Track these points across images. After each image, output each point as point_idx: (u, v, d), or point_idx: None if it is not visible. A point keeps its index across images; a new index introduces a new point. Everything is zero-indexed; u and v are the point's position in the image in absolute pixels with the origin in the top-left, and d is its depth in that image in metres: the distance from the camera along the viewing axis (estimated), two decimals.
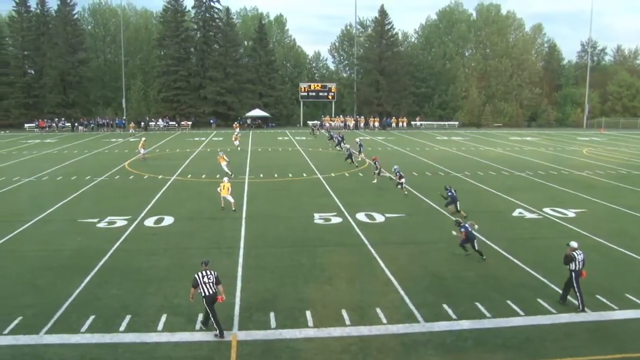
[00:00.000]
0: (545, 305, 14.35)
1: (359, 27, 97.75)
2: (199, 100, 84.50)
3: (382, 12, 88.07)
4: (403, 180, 28.92)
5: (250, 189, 30.45)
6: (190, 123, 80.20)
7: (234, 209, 24.85)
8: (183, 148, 50.97)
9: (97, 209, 25.16)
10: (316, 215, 23.79)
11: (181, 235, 20.76)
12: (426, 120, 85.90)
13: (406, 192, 28.71)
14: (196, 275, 12.77)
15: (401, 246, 19.57)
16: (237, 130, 60.85)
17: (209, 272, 12.81)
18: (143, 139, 47.17)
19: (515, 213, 24.84)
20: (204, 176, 34.36)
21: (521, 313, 13.89)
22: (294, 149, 50.40)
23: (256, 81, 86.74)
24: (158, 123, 79.65)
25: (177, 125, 79.87)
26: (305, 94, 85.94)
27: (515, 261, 17.87)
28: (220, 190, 25.34)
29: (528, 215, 24.47)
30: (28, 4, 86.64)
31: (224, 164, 34.91)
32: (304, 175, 35.27)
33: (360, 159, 40.67)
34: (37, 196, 28.77)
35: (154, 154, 46.86)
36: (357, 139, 48.06)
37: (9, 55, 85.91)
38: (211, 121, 78.43)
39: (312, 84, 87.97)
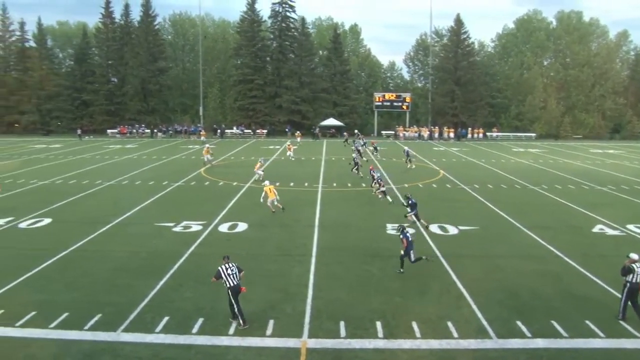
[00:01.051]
0: (628, 327, 13.72)
1: (434, 36, 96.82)
2: (274, 109, 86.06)
3: (458, 21, 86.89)
4: (383, 188, 30.17)
5: (324, 197, 30.69)
6: (265, 131, 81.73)
7: (282, 207, 26.24)
8: (258, 156, 51.89)
9: (174, 214, 26.04)
10: (388, 226, 23.71)
11: (254, 242, 21.18)
12: (502, 132, 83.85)
13: (390, 200, 29.36)
14: (220, 268, 13.91)
15: (474, 259, 19.22)
16: (298, 139, 63.56)
17: (231, 265, 13.98)
18: (207, 145, 48.36)
19: (596, 229, 23.88)
20: (278, 184, 34.78)
21: (601, 334, 13.34)
22: (368, 159, 50.37)
23: (331, 90, 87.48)
24: (233, 131, 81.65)
25: (252, 133, 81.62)
26: (380, 103, 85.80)
27: (595, 279, 17.18)
28: (265, 196, 26.39)
29: (610, 231, 23.47)
30: (113, 16, 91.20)
31: (257, 168, 36.90)
32: None
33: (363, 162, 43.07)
34: (117, 199, 30.09)
35: (228, 161, 48.05)
36: (405, 148, 47.99)
37: (95, 65, 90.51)
38: (287, 129, 79.61)
39: (386, 94, 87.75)
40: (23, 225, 24.08)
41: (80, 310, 14.42)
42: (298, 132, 72.34)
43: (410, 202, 24.27)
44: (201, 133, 72.25)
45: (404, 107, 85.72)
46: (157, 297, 15.45)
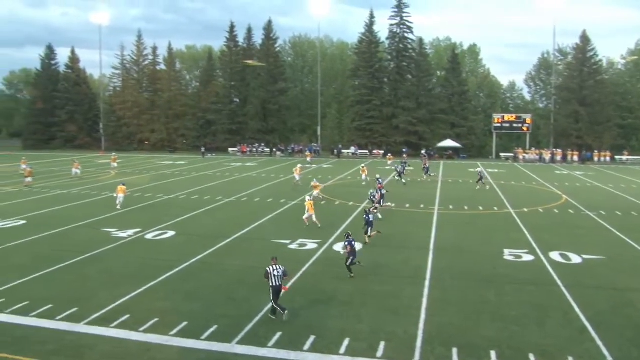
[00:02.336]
0: None
1: (557, 54, 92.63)
2: (391, 130, 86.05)
3: (584, 38, 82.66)
4: (377, 205, 30.45)
5: (440, 220, 30.18)
6: (381, 152, 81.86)
7: (319, 225, 27.00)
8: (373, 176, 51.96)
9: (290, 231, 26.66)
10: (506, 251, 22.87)
11: (367, 262, 21.17)
12: (634, 155, 78.16)
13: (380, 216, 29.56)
14: (267, 269, 15.40)
15: (600, 291, 18.03)
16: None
17: (277, 267, 15.39)
18: (299, 165, 48.95)
19: None
20: (393, 205, 34.76)
21: None
22: (485, 182, 48.99)
23: (448, 111, 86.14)
24: (349, 151, 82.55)
25: (368, 153, 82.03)
26: (499, 125, 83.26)
27: None
28: (307, 210, 27.61)
29: None
30: (237, 40, 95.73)
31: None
32: (495, 209, 34.11)
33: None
34: (236, 215, 31.30)
35: (345, 181, 48.57)
36: (479, 169, 46.35)
37: (219, 86, 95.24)
38: (403, 150, 79.25)
39: (506, 115, 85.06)
40: (149, 236, 25.68)
41: (199, 320, 15.10)
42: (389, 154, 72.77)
43: (365, 217, 24.76)
44: (307, 154, 72.98)
45: (525, 128, 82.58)
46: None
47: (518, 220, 30.00)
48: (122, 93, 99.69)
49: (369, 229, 24.17)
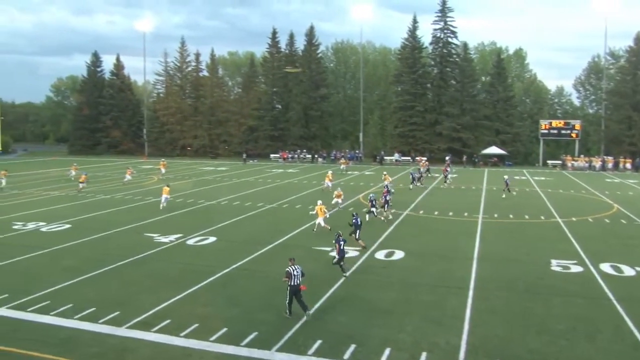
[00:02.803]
0: None
1: (609, 58, 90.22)
2: (434, 136, 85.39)
3: (638, 40, 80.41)
4: (374, 209, 31.09)
5: (484, 228, 29.72)
6: (424, 158, 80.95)
7: (329, 228, 27.25)
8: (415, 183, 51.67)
9: (331, 238, 26.49)
10: (553, 262, 22.34)
11: (410, 271, 21.01)
12: None
13: (383, 219, 30.79)
14: (288, 269, 16.09)
15: None
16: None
17: (296, 267, 16.18)
18: (330, 172, 49.67)
19: None
20: (436, 213, 34.43)
21: None
22: (531, 190, 48.10)
23: (493, 117, 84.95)
24: (393, 157, 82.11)
25: (411, 160, 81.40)
26: (546, 131, 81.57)
27: None
28: (317, 213, 28.17)
29: None
30: (279, 46, 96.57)
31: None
32: (542, 217, 33.40)
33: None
34: (277, 222, 31.47)
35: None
36: (505, 177, 45.38)
37: (261, 92, 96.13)
38: (447, 157, 78.32)
39: (553, 121, 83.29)
40: (191, 242, 26.01)
41: (239, 326, 15.19)
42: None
43: (354, 220, 24.91)
44: (341, 162, 70.60)
45: (573, 135, 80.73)
46: (311, 319, 15.83)
47: (566, 230, 29.31)
48: (165, 99, 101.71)
49: (357, 231, 24.38)
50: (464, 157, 78.05)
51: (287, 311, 15.95)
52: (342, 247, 19.92)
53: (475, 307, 16.96)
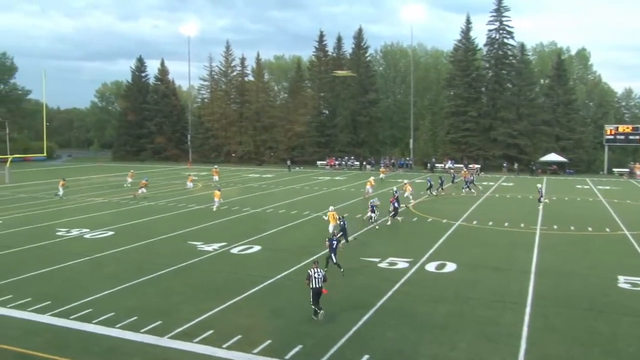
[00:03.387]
0: None
1: None
2: (488, 143, 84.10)
3: None
4: (373, 215, 33.18)
5: (542, 240, 28.98)
6: (478, 166, 79.96)
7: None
8: (469, 192, 50.94)
9: (380, 249, 26.44)
10: (621, 278, 21.54)
11: (463, 284, 20.64)
12: None
13: (377, 226, 32.60)
14: (309, 271, 16.91)
15: None
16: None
17: (318, 270, 16.93)
18: (372, 178, 49.89)
19: None
20: (490, 223, 33.81)
21: None
22: (595, 200, 46.79)
23: (553, 122, 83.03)
24: (444, 165, 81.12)
25: (464, 167, 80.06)
26: (612, 137, 79.22)
27: None
28: (329, 219, 29.09)
29: None
30: (326, 49, 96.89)
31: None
32: (607, 230, 32.38)
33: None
34: (324, 231, 31.39)
35: (438, 197, 47.76)
36: (539, 186, 44.13)
37: (307, 97, 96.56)
38: (504, 165, 76.86)
39: (620, 126, 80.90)
40: (234, 250, 26.21)
41: (283, 339, 15.16)
42: (383, 167, 70.78)
43: (341, 223, 26.59)
44: (381, 170, 68.90)
45: None
46: (357, 333, 15.69)
47: (635, 244, 28.32)
48: (210, 104, 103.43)
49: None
50: (515, 165, 76.50)
51: (314, 314, 16.74)
52: (334, 247, 21.99)
53: (533, 324, 16.50)
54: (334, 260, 21.75)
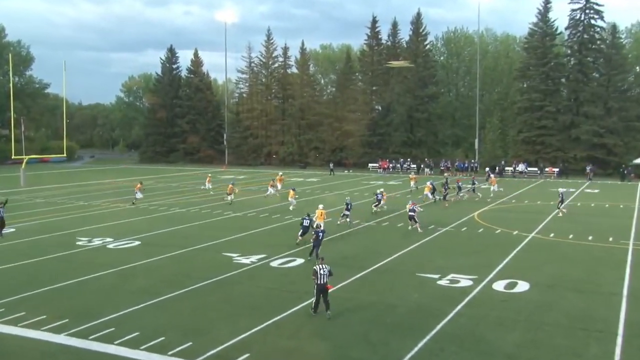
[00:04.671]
0: None
1: None
2: (569, 142, 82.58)
3: None
4: (347, 212, 36.72)
5: (636, 258, 28.19)
6: (556, 170, 78.49)
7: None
8: (546, 200, 50.04)
9: (439, 264, 26.18)
10: None
11: (538, 306, 20.20)
12: None
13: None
14: (315, 267, 18.89)
15: None
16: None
17: (324, 266, 18.82)
18: (429, 183, 50.02)
19: None
20: (571, 236, 33.13)
21: None
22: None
23: None
24: (516, 168, 79.94)
25: (539, 172, 78.86)
26: None
27: None
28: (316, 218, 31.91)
29: None
30: (380, 37, 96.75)
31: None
32: None
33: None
34: (375, 242, 31.37)
35: (508, 205, 47.09)
36: (560, 190, 43.54)
37: (358, 91, 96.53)
38: (588, 168, 75.06)
39: None
40: (275, 263, 26.33)
41: None
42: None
43: (305, 222, 30.28)
44: (410, 177, 61.39)
45: None
46: None
47: None
48: (249, 100, 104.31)
49: (301, 232, 30.00)
50: (588, 168, 74.28)
51: (313, 309, 18.84)
52: (319, 237, 26.34)
53: (626, 357, 15.99)
54: (314, 253, 25.67)
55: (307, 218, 30.44)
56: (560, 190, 44.00)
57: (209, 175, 60.28)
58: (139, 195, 47.05)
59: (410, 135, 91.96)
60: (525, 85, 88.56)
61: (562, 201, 42.12)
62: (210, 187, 54.46)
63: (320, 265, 18.80)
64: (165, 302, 20.55)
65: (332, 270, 19.06)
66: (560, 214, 41.07)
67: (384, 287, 22.67)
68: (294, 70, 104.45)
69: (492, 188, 52.88)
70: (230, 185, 48.71)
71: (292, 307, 19.77)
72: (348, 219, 36.62)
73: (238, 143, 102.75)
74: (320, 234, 26.26)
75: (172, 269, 25.45)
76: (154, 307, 19.95)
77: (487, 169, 73.73)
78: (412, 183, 57.57)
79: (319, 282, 18.51)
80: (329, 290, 18.83)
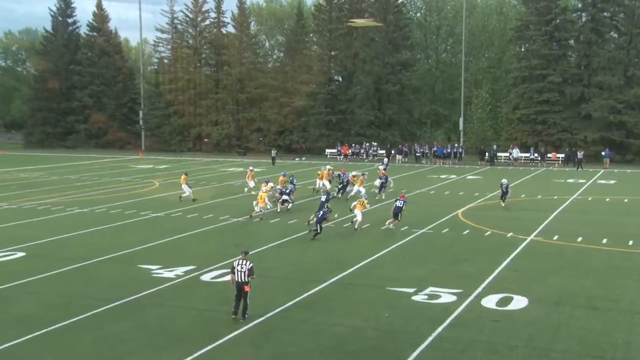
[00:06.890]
0: None
1: None
2: (578, 121, 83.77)
3: None
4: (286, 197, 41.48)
5: None
6: (561, 156, 79.37)
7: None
8: (548, 194, 50.80)
9: (414, 274, 26.35)
10: None
11: (540, 329, 20.40)
12: None
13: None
14: (234, 263, 20.73)
15: None
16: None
17: (244, 262, 20.41)
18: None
19: None
20: (580, 239, 33.62)
21: None
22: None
23: None
24: (512, 154, 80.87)
25: (539, 158, 79.62)
26: None
27: None
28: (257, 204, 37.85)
29: None
30: None
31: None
32: None
33: None
34: (334, 250, 31.36)
35: (500, 201, 47.56)
36: (504, 181, 44.99)
37: (312, 57, 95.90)
38: (604, 154, 75.75)
39: None
40: (206, 277, 26.10)
41: None
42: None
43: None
44: (378, 170, 57.86)
45: None
46: None
47: None
48: (172, 67, 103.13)
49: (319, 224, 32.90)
50: (579, 154, 74.37)
51: (233, 312, 20.54)
52: (323, 212, 32.93)
53: None
54: (317, 222, 32.20)
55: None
56: (504, 181, 45.10)
57: (251, 169, 53.63)
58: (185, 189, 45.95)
59: (378, 113, 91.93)
60: (523, 49, 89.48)
61: (505, 193, 44.02)
62: (253, 185, 49.77)
63: (239, 261, 20.54)
64: (56, 333, 19.96)
65: (254, 268, 20.52)
66: (503, 204, 43.65)
67: (347, 305, 22.68)
68: (231, 29, 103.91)
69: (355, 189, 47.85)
70: (268, 185, 42.60)
71: (229, 332, 19.65)
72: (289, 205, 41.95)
73: (158, 123, 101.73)
74: (325, 210, 31.49)
75: (66, 289, 24.92)
76: (41, 340, 19.35)
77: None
78: (376, 182, 50.37)
79: (236, 279, 20.26)
80: (247, 291, 20.25)
